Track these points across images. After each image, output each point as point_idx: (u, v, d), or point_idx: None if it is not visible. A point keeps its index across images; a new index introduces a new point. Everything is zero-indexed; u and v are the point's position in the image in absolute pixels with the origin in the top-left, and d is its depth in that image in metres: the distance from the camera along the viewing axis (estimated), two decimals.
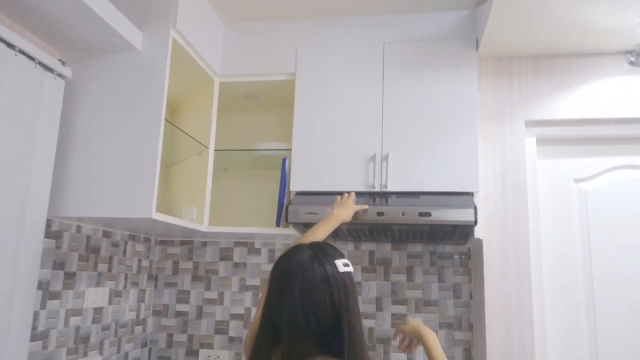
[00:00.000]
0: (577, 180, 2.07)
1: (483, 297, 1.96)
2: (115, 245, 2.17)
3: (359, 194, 1.94)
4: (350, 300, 1.10)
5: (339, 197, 1.85)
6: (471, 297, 2.23)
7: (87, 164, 1.77)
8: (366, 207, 1.83)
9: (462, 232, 1.94)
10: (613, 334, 1.93)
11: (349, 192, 1.87)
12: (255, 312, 1.22)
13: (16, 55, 1.53)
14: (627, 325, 1.93)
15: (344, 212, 1.77)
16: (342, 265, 1.13)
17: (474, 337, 2.18)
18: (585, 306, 1.98)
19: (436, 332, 2.21)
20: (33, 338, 1.69)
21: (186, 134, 2.07)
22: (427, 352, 1.43)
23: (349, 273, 1.14)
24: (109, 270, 2.13)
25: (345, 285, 1.11)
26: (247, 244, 2.45)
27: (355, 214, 1.81)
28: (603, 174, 2.06)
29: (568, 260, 2.02)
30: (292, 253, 1.15)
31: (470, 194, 1.90)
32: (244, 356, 1.23)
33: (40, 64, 1.63)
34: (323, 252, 1.15)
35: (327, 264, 1.11)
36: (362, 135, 2.00)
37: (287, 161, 2.13)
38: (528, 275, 1.93)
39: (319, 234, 1.64)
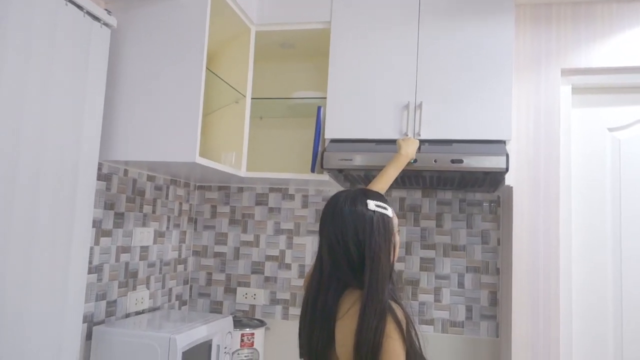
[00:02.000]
0: (611, 129, 2.07)
1: (511, 243, 2.02)
2: (158, 189, 2.29)
3: (392, 142, 1.99)
4: (376, 235, 1.21)
5: (400, 139, 1.88)
6: (499, 243, 2.29)
7: (133, 110, 1.86)
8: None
9: (493, 180, 1.98)
10: (638, 276, 1.98)
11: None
12: None
13: (67, 4, 1.60)
14: None
15: (411, 149, 1.82)
16: (374, 205, 1.24)
17: (500, 280, 2.26)
18: (612, 253, 2.02)
19: (463, 275, 2.30)
20: (89, 271, 1.85)
21: (224, 81, 2.13)
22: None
23: (380, 213, 1.24)
24: (153, 212, 2.26)
25: (372, 222, 1.22)
26: (282, 190, 2.55)
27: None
28: (638, 122, 2.05)
29: (597, 209, 2.05)
30: (337, 194, 1.30)
31: (503, 142, 1.93)
32: (304, 289, 1.43)
33: (88, 13, 1.70)
34: (362, 194, 1.27)
35: (358, 203, 1.24)
36: (396, 84, 2.03)
37: (322, 109, 2.18)
38: (557, 222, 1.98)
39: (391, 174, 1.75)
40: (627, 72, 2.00)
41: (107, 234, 1.96)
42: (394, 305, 1.21)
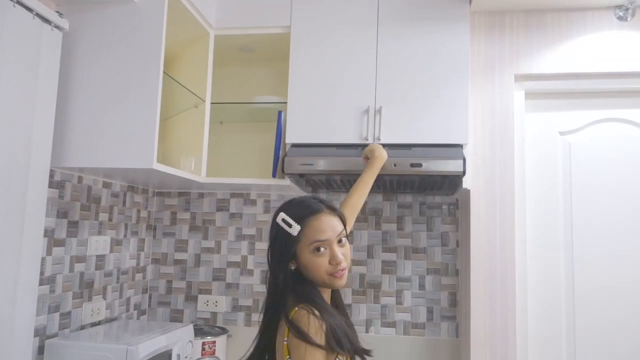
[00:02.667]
0: (562, 133, 2.15)
1: (469, 244, 2.07)
2: (114, 195, 2.23)
3: (352, 146, 2.01)
4: (272, 247, 1.26)
5: (367, 147, 1.85)
6: (458, 245, 2.34)
7: (87, 115, 1.80)
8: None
9: (451, 183, 2.02)
10: (589, 275, 2.06)
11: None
12: None
13: (14, 6, 1.54)
14: (603, 269, 2.05)
15: (383, 152, 1.80)
16: (281, 219, 1.23)
17: (459, 282, 2.31)
18: (565, 252, 2.09)
19: (424, 277, 2.34)
20: (41, 282, 1.77)
21: (183, 86, 2.10)
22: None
23: (280, 227, 1.23)
24: (110, 219, 2.20)
25: (272, 233, 1.26)
26: (243, 195, 2.53)
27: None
28: (587, 126, 2.13)
29: (550, 210, 2.12)
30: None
31: (460, 146, 1.97)
32: None
33: (38, 15, 1.64)
34: (287, 205, 1.27)
35: (276, 214, 1.25)
36: (357, 88, 2.05)
37: (282, 114, 2.17)
38: (512, 224, 2.03)
39: (366, 179, 1.73)
40: (577, 78, 2.08)
41: (60, 243, 1.89)
42: (302, 310, 1.16)
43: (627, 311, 2.02)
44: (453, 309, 2.31)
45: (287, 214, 1.23)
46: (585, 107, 2.15)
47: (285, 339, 1.15)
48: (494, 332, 1.99)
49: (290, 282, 1.22)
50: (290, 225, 1.21)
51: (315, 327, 1.12)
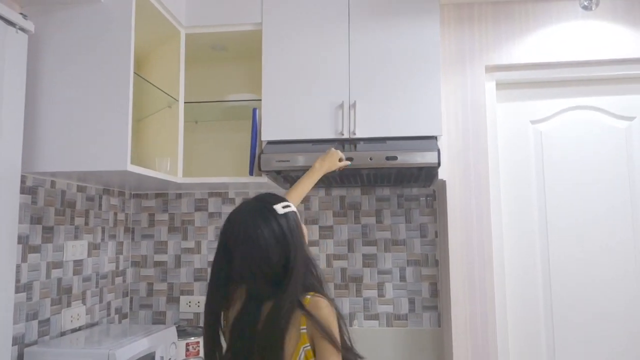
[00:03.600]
0: (533, 122, 2.19)
1: (447, 234, 2.10)
2: (90, 199, 2.20)
3: (328, 141, 2.02)
4: (296, 237, 1.24)
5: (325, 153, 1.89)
6: (436, 236, 2.37)
7: (58, 118, 1.77)
8: (348, 163, 1.89)
9: (427, 174, 2.05)
10: (565, 260, 2.11)
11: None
12: None
13: None
14: (577, 253, 2.11)
15: (326, 163, 1.83)
16: (281, 207, 1.25)
17: (439, 272, 2.34)
18: (540, 238, 2.14)
19: (404, 269, 2.36)
20: (17, 290, 1.75)
21: (155, 86, 2.08)
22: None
23: (291, 212, 1.26)
24: (86, 224, 2.17)
25: (288, 226, 1.24)
26: (222, 194, 2.52)
27: (338, 163, 1.87)
28: (557, 114, 2.18)
29: (524, 196, 2.17)
30: (237, 212, 1.27)
31: (434, 138, 1.99)
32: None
33: (1, 17, 1.60)
34: (263, 205, 1.26)
35: (269, 217, 1.23)
36: (330, 84, 2.05)
37: (257, 111, 2.17)
38: (488, 212, 2.07)
39: (304, 186, 1.77)
40: (545, 68, 2.12)
41: (36, 249, 1.86)
42: (317, 298, 1.22)
43: (603, 296, 2.08)
44: (434, 299, 2.34)
45: (275, 202, 1.26)
46: (554, 95, 2.19)
47: (303, 327, 1.19)
48: (475, 319, 2.02)
49: (304, 269, 1.24)
50: (289, 205, 1.27)
51: (336, 318, 1.20)
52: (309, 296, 1.22)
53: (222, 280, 1.28)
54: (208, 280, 1.30)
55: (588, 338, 2.07)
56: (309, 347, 1.19)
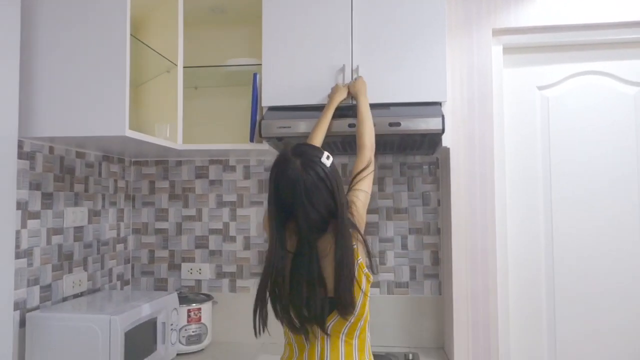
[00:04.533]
0: (540, 88, 2.14)
1: (450, 203, 2.08)
2: (89, 166, 2.18)
3: None
4: (339, 184, 1.38)
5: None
6: (439, 204, 2.35)
7: (54, 83, 1.73)
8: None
9: (431, 141, 2.01)
10: (569, 229, 2.09)
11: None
12: None
13: None
14: (582, 223, 2.09)
15: (338, 92, 1.88)
16: (326, 159, 1.38)
17: (441, 240, 2.33)
18: (544, 208, 2.11)
19: (406, 237, 2.35)
20: (17, 256, 1.74)
21: (153, 50, 2.03)
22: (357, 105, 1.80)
23: (332, 163, 1.39)
24: (86, 190, 2.15)
25: (334, 175, 1.37)
26: (222, 162, 2.49)
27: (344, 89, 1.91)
28: (565, 80, 2.13)
29: (529, 165, 2.13)
30: (286, 168, 1.36)
31: (439, 104, 1.95)
32: (264, 230, 1.60)
33: None
34: (309, 156, 1.37)
35: (317, 166, 1.35)
36: (332, 48, 2.00)
37: (257, 76, 2.12)
38: (492, 181, 2.04)
39: (323, 125, 1.81)
40: (554, 31, 2.06)
41: (35, 215, 1.85)
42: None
43: (607, 267, 2.07)
44: (436, 267, 2.34)
45: (321, 155, 1.38)
46: (563, 60, 2.13)
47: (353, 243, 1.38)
48: (476, 288, 2.02)
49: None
50: (328, 156, 1.39)
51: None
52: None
53: (281, 227, 1.38)
54: (269, 230, 1.39)
55: (590, 306, 2.07)
56: (361, 260, 1.39)
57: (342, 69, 1.98)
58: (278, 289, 1.37)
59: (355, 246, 1.38)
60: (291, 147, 1.41)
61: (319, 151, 1.40)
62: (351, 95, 1.88)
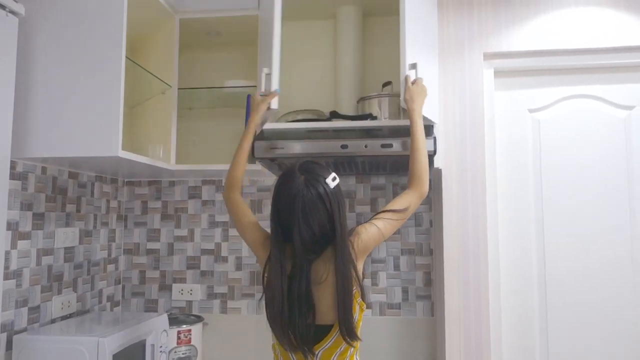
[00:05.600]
0: (531, 110, 2.16)
1: (442, 224, 2.08)
2: (82, 186, 2.17)
3: (322, 130, 1.98)
4: (341, 207, 1.37)
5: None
6: (431, 225, 2.35)
7: (49, 103, 1.75)
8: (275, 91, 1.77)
9: None
10: (561, 254, 2.10)
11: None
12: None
13: None
14: (574, 247, 2.09)
15: (254, 115, 1.75)
16: (331, 180, 1.36)
17: (433, 261, 2.33)
18: (536, 230, 2.12)
19: (398, 258, 2.35)
20: (6, 277, 1.72)
21: (148, 72, 2.05)
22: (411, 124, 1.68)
23: (337, 185, 1.38)
24: (78, 211, 2.14)
25: (336, 197, 1.36)
26: (215, 182, 2.49)
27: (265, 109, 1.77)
28: (556, 103, 2.15)
29: (521, 187, 2.15)
30: (288, 181, 1.36)
31: (431, 126, 1.96)
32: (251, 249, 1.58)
33: None
34: (314, 174, 1.36)
35: (319, 185, 1.34)
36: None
37: (251, 98, 2.13)
38: (484, 202, 2.05)
39: (245, 145, 1.73)
40: (545, 55, 2.09)
41: (26, 236, 1.84)
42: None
43: (598, 284, 2.07)
44: (428, 288, 2.33)
45: (326, 175, 1.37)
46: (553, 84, 2.16)
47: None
48: (468, 309, 2.01)
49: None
50: (335, 178, 1.39)
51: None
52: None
53: (281, 246, 1.38)
54: (271, 240, 1.40)
55: (583, 331, 2.06)
56: (355, 289, 1.36)
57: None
58: (276, 310, 1.35)
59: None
60: (299, 163, 1.41)
61: (325, 171, 1.39)
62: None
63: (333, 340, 1.36)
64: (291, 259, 1.37)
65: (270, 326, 1.38)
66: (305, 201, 1.31)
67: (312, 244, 1.34)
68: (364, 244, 1.41)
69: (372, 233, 1.43)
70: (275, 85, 1.76)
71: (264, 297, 1.39)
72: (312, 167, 1.39)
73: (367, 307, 2.32)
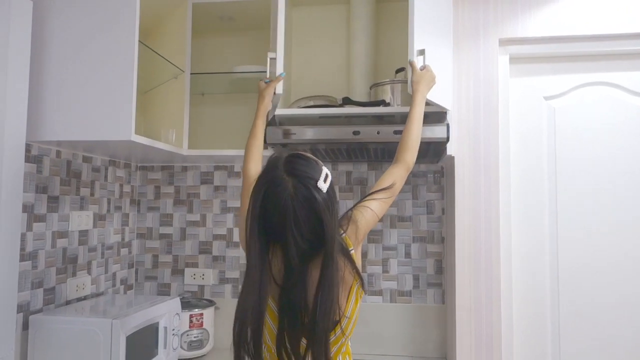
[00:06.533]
0: (547, 98, 2.13)
1: (454, 212, 2.07)
2: (95, 170, 2.19)
3: (335, 116, 1.98)
4: (334, 211, 1.20)
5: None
6: (443, 213, 2.34)
7: (62, 87, 1.75)
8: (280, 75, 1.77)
9: (436, 150, 2.01)
10: (574, 241, 2.07)
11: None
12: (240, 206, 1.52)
13: None
14: (588, 235, 2.07)
15: (261, 102, 1.74)
16: (323, 182, 1.19)
17: (445, 249, 2.32)
18: (549, 219, 2.10)
19: (409, 245, 2.34)
20: (22, 258, 1.75)
21: (161, 56, 2.05)
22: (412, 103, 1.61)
23: (330, 184, 1.21)
24: (92, 194, 2.16)
25: (329, 202, 1.19)
26: (227, 168, 2.50)
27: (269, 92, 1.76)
28: (572, 91, 2.12)
29: (535, 176, 2.12)
30: (276, 189, 1.17)
31: (444, 112, 1.95)
32: (242, 247, 1.51)
33: None
34: (304, 178, 1.18)
35: (310, 191, 1.16)
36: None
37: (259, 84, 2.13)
38: (497, 190, 2.03)
39: (257, 133, 1.70)
40: (561, 41, 2.06)
41: (41, 219, 1.86)
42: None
43: (611, 284, 2.04)
44: (439, 276, 2.33)
45: (317, 176, 1.19)
46: (570, 71, 2.13)
47: (351, 248, 1.28)
48: (479, 297, 2.00)
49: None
50: (327, 175, 1.21)
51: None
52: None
53: (265, 252, 1.22)
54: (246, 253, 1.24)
55: (595, 325, 2.04)
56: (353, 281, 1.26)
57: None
58: (240, 336, 1.22)
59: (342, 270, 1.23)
60: (284, 160, 1.21)
61: (315, 170, 1.21)
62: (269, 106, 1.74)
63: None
64: (284, 268, 1.22)
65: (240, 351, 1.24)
66: (297, 213, 1.15)
67: (311, 251, 1.19)
68: (362, 231, 1.33)
69: (368, 217, 1.36)
70: (280, 69, 1.74)
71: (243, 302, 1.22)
72: (299, 168, 1.20)
73: (377, 294, 2.33)
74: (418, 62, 1.68)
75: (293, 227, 1.15)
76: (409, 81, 1.69)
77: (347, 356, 1.37)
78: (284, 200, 1.15)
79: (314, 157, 1.26)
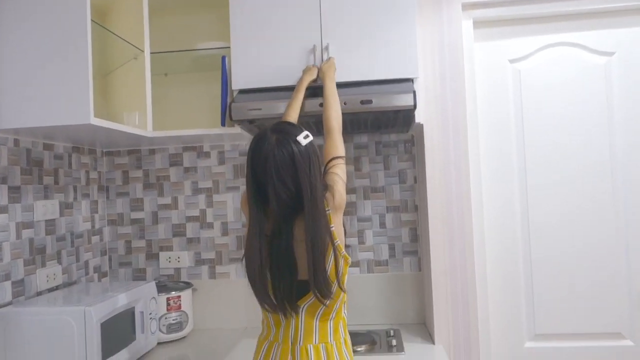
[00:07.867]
0: (511, 61, 2.14)
1: (425, 179, 2.08)
2: (58, 157, 2.13)
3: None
4: (312, 165, 1.34)
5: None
6: (415, 181, 2.35)
7: (16, 73, 1.68)
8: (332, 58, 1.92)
9: (404, 118, 2.00)
10: (543, 202, 2.11)
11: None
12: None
13: None
14: (556, 194, 2.11)
15: (307, 73, 1.87)
16: (303, 138, 1.35)
17: (418, 217, 2.33)
18: (519, 180, 2.13)
19: (384, 215, 2.35)
20: None
21: (118, 36, 1.98)
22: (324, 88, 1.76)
23: (310, 143, 1.36)
24: (56, 183, 2.10)
25: (308, 154, 1.34)
26: (196, 148, 2.45)
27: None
28: (536, 52, 2.13)
29: (503, 138, 2.14)
30: (260, 142, 1.35)
31: (410, 80, 1.94)
32: (242, 211, 1.66)
33: None
34: (285, 133, 1.35)
35: (290, 144, 1.33)
36: (301, 27, 1.97)
37: (226, 59, 2.08)
38: (466, 156, 2.04)
39: (295, 102, 1.79)
40: (523, 3, 2.05)
41: (3, 210, 1.80)
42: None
43: (581, 235, 2.09)
44: (414, 244, 2.35)
45: (298, 133, 1.35)
46: (533, 32, 2.13)
47: (328, 209, 1.37)
48: (454, 263, 2.03)
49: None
50: (308, 135, 1.36)
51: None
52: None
53: (260, 207, 1.36)
54: (249, 212, 1.38)
55: (567, 277, 2.09)
56: (338, 242, 1.36)
57: (313, 50, 1.95)
58: (254, 271, 1.36)
59: (333, 228, 1.36)
60: (274, 123, 1.41)
61: (297, 129, 1.38)
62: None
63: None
64: (272, 219, 1.37)
65: (251, 287, 1.38)
66: (277, 160, 1.30)
67: (290, 201, 1.33)
68: (340, 195, 1.40)
69: (341, 184, 1.45)
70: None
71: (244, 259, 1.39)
72: (283, 127, 1.39)
73: (355, 265, 2.34)
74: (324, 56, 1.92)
75: (273, 173, 1.30)
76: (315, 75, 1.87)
77: (340, 322, 1.45)
78: (266, 150, 1.32)
79: (301, 127, 1.41)
